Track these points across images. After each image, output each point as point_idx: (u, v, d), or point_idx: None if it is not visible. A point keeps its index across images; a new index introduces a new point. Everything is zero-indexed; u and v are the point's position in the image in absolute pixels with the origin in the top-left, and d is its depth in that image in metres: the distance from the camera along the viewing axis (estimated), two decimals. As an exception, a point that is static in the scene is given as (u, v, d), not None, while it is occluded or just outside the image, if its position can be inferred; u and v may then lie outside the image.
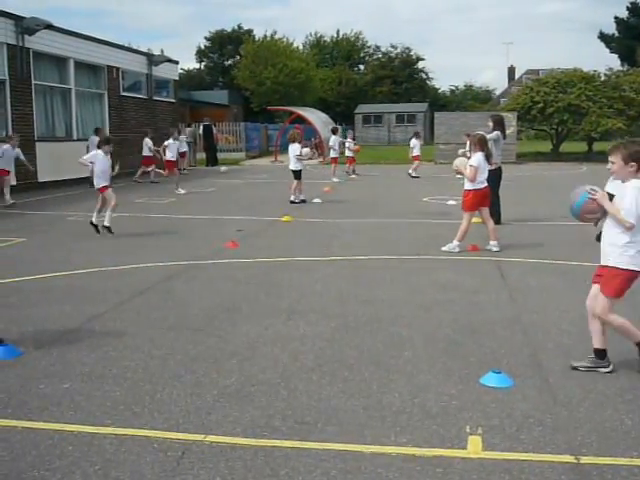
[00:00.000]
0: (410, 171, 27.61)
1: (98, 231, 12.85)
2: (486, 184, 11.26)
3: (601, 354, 5.59)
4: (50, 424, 4.63)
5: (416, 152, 28.29)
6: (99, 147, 13.19)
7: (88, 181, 23.30)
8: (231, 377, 5.49)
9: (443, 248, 11.09)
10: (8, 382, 5.41)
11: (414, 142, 28.47)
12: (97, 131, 23.80)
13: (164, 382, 5.40)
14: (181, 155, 26.97)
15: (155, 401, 5.03)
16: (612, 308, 5.48)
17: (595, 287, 5.66)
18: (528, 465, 4.05)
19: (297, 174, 18.01)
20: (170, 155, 22.40)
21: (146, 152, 26.59)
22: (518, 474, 3.96)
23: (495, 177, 13.82)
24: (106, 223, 12.76)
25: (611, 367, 5.56)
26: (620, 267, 5.40)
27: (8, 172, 18.21)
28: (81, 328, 6.91)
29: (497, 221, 13.68)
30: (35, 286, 8.81)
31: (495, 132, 13.87)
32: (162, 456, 4.19)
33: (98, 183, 13.16)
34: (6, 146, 18.31)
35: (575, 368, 5.60)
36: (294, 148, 18.05)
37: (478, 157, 11.17)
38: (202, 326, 6.94)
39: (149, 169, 25.96)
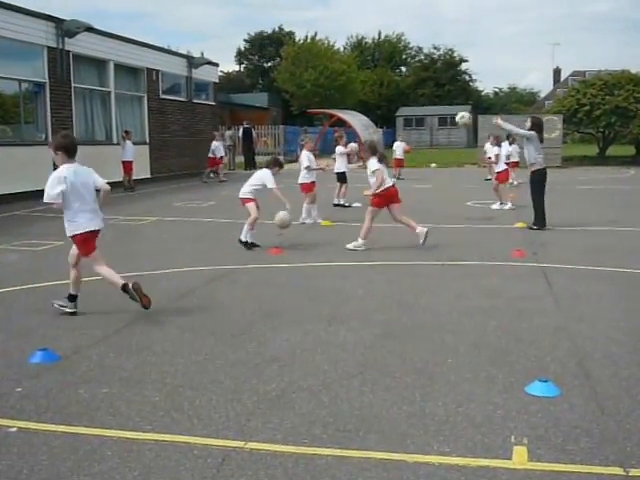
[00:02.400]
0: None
1: None
2: (390, 184, 11.89)
3: (72, 298, 7.57)
4: (89, 429, 4.68)
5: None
6: None
7: (123, 185, 23.78)
8: (271, 383, 5.51)
9: (348, 246, 11.73)
10: (47, 386, 5.48)
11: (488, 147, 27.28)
12: (127, 133, 24.23)
13: (204, 388, 5.43)
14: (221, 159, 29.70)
15: (195, 407, 5.06)
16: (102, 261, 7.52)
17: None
18: (576, 477, 4.00)
19: (340, 176, 18.21)
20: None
21: (215, 153, 28.81)
22: (565, 486, 3.92)
23: (539, 180, 13.73)
24: None
25: (74, 309, 7.54)
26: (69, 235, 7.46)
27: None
28: (119, 333, 6.98)
29: (542, 225, 13.58)
30: (74, 290, 8.90)
31: (531, 131, 13.76)
32: (202, 462, 4.21)
33: None
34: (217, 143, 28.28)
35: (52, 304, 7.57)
36: (337, 150, 18.44)
37: (374, 162, 11.82)
38: (242, 331, 6.97)
39: (216, 169, 28.95)
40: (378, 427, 4.68)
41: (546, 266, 10.15)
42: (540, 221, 13.68)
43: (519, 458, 4.22)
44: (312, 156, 15.69)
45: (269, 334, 6.87)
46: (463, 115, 15.67)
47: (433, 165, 37.93)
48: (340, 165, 18.43)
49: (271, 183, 11.96)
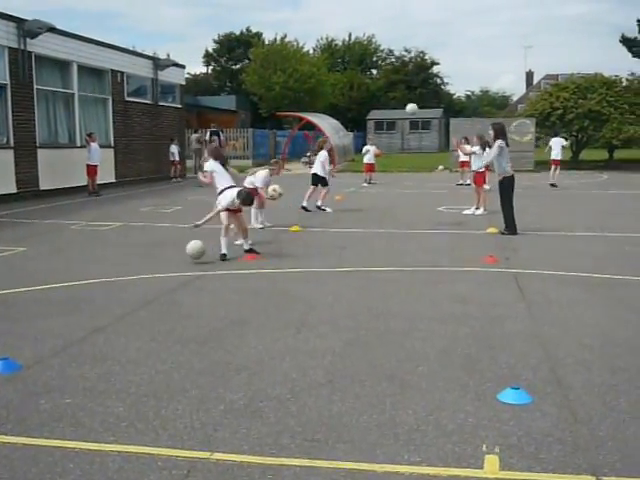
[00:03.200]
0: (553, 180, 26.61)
1: None
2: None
3: None
4: (51, 441, 4.62)
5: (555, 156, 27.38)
6: None
7: (87, 189, 23.63)
8: (238, 392, 5.48)
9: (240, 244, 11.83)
10: (7, 397, 5.41)
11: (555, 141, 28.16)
12: (90, 136, 24.00)
13: (169, 397, 5.39)
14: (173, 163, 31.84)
15: (160, 417, 5.02)
16: None
17: None
18: (548, 486, 4.03)
19: (322, 180, 18.27)
20: None
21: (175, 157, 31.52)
22: (537, 495, 3.94)
23: (508, 186, 13.85)
24: None
25: None
26: None
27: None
28: (83, 341, 6.91)
29: (513, 231, 13.67)
30: (36, 297, 8.82)
31: (498, 141, 13.89)
32: (167, 474, 4.17)
33: None
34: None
35: None
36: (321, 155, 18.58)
37: (210, 163, 12.03)
38: (209, 339, 6.93)
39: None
40: (347, 436, 4.67)
41: (518, 272, 10.21)
42: (511, 227, 13.78)
43: (491, 467, 4.23)
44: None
45: (236, 342, 6.84)
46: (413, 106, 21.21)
47: (440, 167, 38.25)
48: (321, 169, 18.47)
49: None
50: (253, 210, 14.98)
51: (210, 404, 5.24)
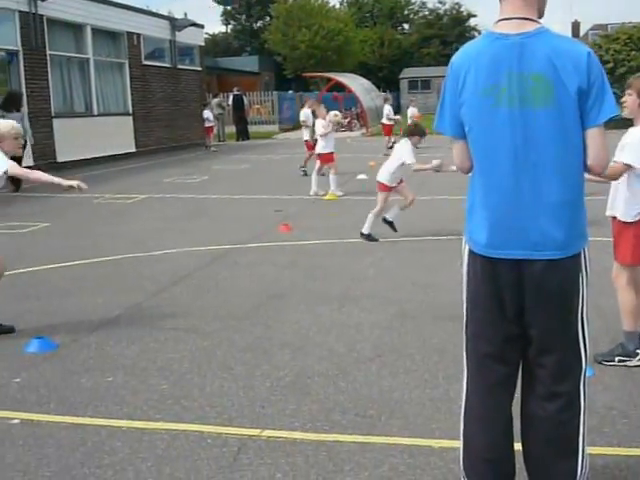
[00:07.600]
0: None
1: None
2: None
3: None
4: (96, 419, 4.84)
5: None
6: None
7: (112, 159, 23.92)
8: (284, 369, 5.66)
9: None
10: (46, 376, 5.63)
11: None
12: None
13: (213, 374, 5.58)
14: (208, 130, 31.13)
15: (205, 394, 5.21)
16: None
17: None
18: (612, 460, 4.17)
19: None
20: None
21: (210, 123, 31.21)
22: (602, 469, 4.07)
23: None
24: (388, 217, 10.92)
25: None
26: None
27: None
28: (118, 319, 7.12)
29: None
30: (64, 274, 9.05)
31: None
32: (217, 452, 4.36)
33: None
34: None
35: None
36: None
37: None
38: (248, 315, 7.11)
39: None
40: (400, 412, 4.83)
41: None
42: None
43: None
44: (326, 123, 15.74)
45: (276, 317, 7.02)
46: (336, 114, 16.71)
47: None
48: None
49: (410, 158, 10.60)
50: (314, 176, 15.37)
51: (256, 381, 5.43)
